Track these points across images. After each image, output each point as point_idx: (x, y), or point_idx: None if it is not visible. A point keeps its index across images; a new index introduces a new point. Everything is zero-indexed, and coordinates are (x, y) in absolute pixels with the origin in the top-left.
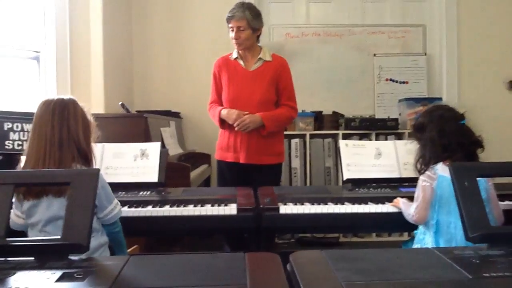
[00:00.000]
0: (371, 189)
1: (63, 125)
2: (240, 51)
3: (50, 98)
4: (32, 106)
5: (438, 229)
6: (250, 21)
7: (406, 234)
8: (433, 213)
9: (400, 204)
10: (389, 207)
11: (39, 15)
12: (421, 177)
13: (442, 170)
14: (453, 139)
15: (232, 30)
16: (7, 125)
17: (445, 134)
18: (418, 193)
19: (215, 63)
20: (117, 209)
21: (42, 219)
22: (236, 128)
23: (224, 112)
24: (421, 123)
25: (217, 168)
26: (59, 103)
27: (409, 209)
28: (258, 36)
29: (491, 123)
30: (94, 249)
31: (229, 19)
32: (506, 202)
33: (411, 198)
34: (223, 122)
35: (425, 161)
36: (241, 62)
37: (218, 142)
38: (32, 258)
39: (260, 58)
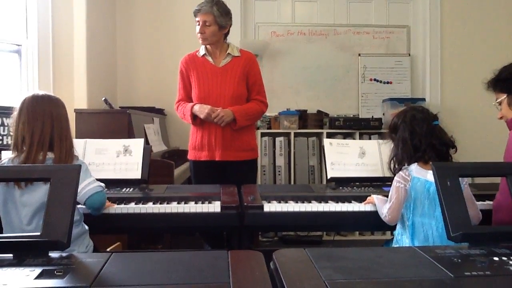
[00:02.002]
0: (354, 188)
1: (53, 120)
2: (208, 47)
3: (40, 93)
4: (13, 100)
5: (413, 230)
6: (217, 17)
7: (388, 233)
8: (408, 214)
9: (375, 200)
10: (371, 206)
11: (21, 8)
12: (396, 178)
13: (416, 171)
14: (424, 140)
15: (198, 24)
16: None
17: (416, 135)
18: (392, 193)
19: (182, 60)
20: (89, 187)
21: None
22: (215, 120)
23: (196, 107)
24: (395, 124)
25: (192, 169)
26: (47, 98)
27: (383, 209)
28: (226, 34)
29: (473, 124)
30: (73, 238)
31: (195, 12)
32: (487, 202)
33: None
34: (195, 118)
35: (398, 161)
36: (209, 59)
37: (191, 142)
38: (11, 255)
39: (228, 54)
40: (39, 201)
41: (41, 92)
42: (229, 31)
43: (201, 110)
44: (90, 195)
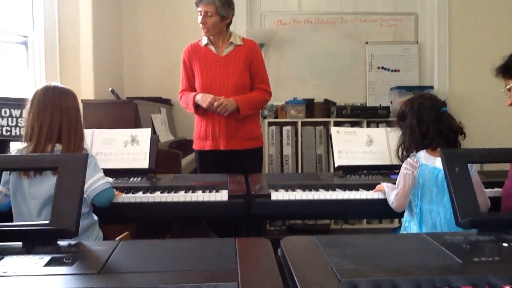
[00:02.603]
0: (362, 176)
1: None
2: (210, 37)
3: (52, 84)
4: (20, 91)
5: (421, 217)
6: (218, 8)
7: (396, 221)
8: (416, 201)
9: (384, 188)
10: (379, 194)
11: None
12: (404, 165)
13: (424, 158)
14: (432, 127)
15: (200, 14)
16: None
17: (423, 122)
18: (399, 180)
19: (185, 50)
20: (97, 184)
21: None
22: (217, 110)
23: (198, 96)
24: (403, 111)
25: (197, 159)
26: (58, 89)
27: (390, 195)
28: (228, 25)
29: (481, 111)
30: (83, 229)
31: (197, 3)
32: (496, 189)
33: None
34: (197, 108)
35: (406, 148)
36: (212, 48)
37: (195, 132)
38: (20, 243)
39: (231, 43)
40: (48, 193)
41: (53, 84)
42: (231, 21)
43: (203, 99)
44: (98, 192)
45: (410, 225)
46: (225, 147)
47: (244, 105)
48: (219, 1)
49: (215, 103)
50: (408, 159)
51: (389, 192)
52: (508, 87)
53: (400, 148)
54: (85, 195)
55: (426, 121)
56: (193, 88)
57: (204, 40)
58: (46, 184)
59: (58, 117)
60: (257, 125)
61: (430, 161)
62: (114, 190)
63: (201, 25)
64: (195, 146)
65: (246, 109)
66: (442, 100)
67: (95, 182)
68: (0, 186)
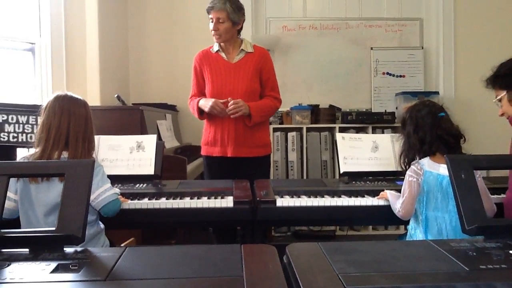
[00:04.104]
0: (367, 182)
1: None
2: (221, 44)
3: (64, 92)
4: (27, 98)
5: (427, 224)
6: (230, 14)
7: (402, 227)
8: (422, 208)
9: (388, 196)
10: (385, 201)
11: (34, 6)
12: (408, 172)
13: (428, 165)
14: (429, 133)
15: (212, 21)
16: (2, 117)
17: (420, 128)
18: (405, 188)
19: (196, 57)
20: (104, 195)
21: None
22: (230, 108)
23: (202, 101)
24: (403, 119)
25: (204, 164)
26: (68, 97)
27: (396, 204)
28: (239, 30)
29: (488, 117)
30: (89, 238)
31: (209, 10)
32: (502, 196)
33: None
34: (202, 113)
35: (406, 155)
36: (223, 55)
37: (204, 137)
38: (27, 250)
39: (242, 50)
40: (54, 199)
41: (65, 93)
42: (242, 27)
43: (205, 103)
44: (106, 203)
45: (416, 233)
46: (233, 154)
47: (256, 112)
48: (230, 7)
49: (231, 102)
50: (412, 166)
51: (394, 200)
52: (499, 97)
53: (402, 156)
54: (92, 205)
55: (422, 127)
56: (203, 94)
57: (216, 47)
58: (53, 191)
59: (65, 123)
60: (267, 133)
61: (434, 168)
62: (120, 196)
63: (213, 31)
64: (203, 151)
65: (258, 116)
66: (439, 106)
67: (102, 193)
68: (12, 193)
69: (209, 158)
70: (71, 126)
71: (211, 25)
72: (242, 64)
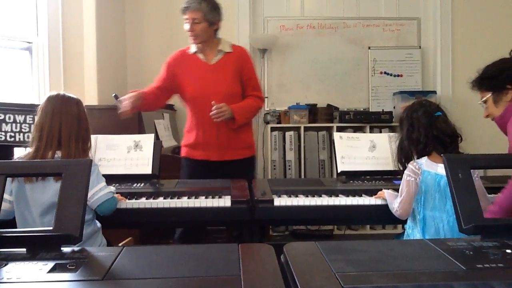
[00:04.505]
0: (365, 181)
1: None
2: (198, 45)
3: (57, 92)
4: (24, 97)
5: (424, 224)
6: (206, 14)
7: (400, 227)
8: (419, 208)
9: (385, 195)
10: (382, 200)
11: (31, 5)
12: (406, 172)
13: (426, 165)
14: (424, 132)
15: (187, 22)
16: None
17: (415, 128)
18: (403, 187)
19: (172, 55)
20: (100, 194)
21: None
22: (213, 113)
23: (132, 93)
24: (400, 119)
25: (183, 166)
26: (60, 96)
27: (394, 203)
28: (216, 30)
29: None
30: (86, 237)
31: (184, 10)
32: (499, 195)
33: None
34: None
35: (403, 154)
36: (201, 56)
37: (185, 139)
38: (24, 249)
39: (220, 50)
40: (50, 199)
41: (60, 92)
42: (219, 27)
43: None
44: (101, 203)
45: (413, 232)
46: (217, 158)
47: (240, 115)
48: (206, 7)
49: (214, 107)
50: (410, 166)
51: (391, 200)
52: (484, 99)
53: (398, 155)
54: (88, 204)
55: (417, 127)
56: (160, 89)
57: (193, 48)
58: (48, 190)
59: (57, 123)
60: (250, 134)
61: (432, 168)
62: (117, 195)
63: (189, 33)
64: (184, 153)
65: (242, 118)
66: (436, 105)
67: (97, 192)
68: (7, 195)
69: (190, 160)
70: (63, 126)
71: (187, 26)
72: (220, 65)
